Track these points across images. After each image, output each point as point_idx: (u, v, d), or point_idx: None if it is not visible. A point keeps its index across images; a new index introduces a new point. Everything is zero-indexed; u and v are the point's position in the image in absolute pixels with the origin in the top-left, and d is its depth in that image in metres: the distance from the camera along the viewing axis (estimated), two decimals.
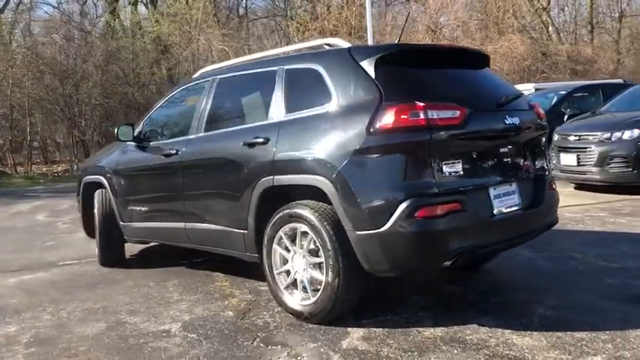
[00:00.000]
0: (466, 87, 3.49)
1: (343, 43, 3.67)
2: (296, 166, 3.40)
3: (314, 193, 3.37)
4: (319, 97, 3.43)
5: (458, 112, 3.11)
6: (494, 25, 25.99)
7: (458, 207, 3.07)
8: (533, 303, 3.58)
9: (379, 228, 3.03)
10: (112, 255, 5.25)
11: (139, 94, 19.04)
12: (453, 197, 3.08)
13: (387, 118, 3.03)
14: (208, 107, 4.24)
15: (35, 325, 3.70)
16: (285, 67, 3.75)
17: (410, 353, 2.92)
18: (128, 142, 4.90)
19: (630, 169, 7.73)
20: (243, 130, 3.89)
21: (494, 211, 3.30)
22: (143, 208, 4.76)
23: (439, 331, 3.20)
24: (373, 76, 3.23)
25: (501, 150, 3.46)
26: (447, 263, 3.13)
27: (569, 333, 3.06)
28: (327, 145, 3.24)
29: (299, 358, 2.96)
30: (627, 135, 7.86)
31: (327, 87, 3.40)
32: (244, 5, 28.60)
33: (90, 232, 5.71)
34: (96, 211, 5.17)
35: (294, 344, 3.12)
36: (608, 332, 3.05)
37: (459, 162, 3.15)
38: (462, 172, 3.16)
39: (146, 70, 20.13)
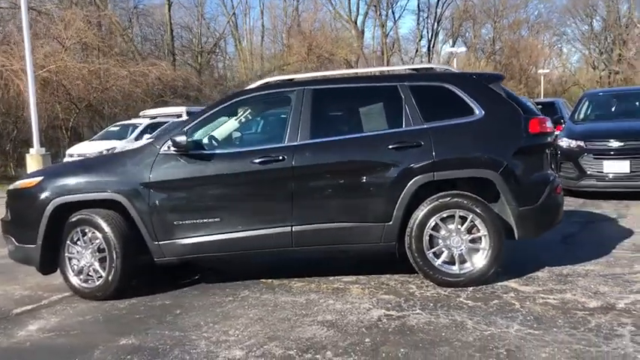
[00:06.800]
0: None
1: (450, 68, 4.76)
2: (460, 163, 4.34)
3: (467, 184, 4.40)
4: (459, 109, 4.45)
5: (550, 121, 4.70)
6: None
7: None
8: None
9: (535, 203, 4.38)
10: (125, 283, 4.54)
11: None
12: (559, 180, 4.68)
13: (535, 126, 4.42)
14: (310, 116, 4.49)
15: (260, 347, 3.37)
16: (406, 83, 4.53)
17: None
18: (164, 152, 4.48)
19: None
20: (378, 135, 4.47)
21: None
22: (212, 220, 4.44)
23: (594, 264, 4.72)
24: (504, 95, 4.50)
25: None
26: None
27: None
28: (490, 145, 4.37)
29: (542, 295, 4.05)
30: None
31: (465, 102, 4.45)
32: None
33: (51, 270, 4.69)
34: (110, 236, 4.40)
35: (511, 293, 4.10)
36: None
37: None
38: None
39: None
